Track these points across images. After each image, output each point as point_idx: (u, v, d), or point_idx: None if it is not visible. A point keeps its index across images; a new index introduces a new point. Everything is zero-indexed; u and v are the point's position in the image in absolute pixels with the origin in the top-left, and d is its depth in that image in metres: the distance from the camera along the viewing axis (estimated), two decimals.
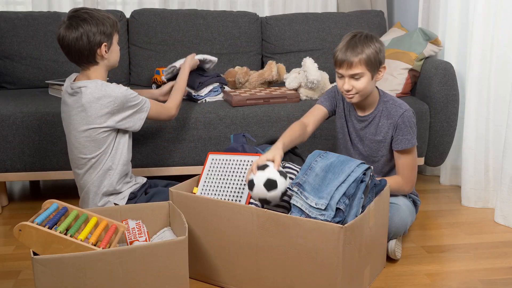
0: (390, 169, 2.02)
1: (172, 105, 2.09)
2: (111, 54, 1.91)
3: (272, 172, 1.64)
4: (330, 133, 2.42)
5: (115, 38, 1.92)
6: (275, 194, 1.62)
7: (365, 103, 1.95)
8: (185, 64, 2.25)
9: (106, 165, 1.89)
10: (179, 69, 2.28)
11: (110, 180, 1.90)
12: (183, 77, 2.21)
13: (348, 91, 1.87)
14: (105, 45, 1.86)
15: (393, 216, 1.87)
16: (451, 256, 1.97)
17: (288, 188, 1.63)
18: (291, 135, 1.90)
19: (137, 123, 1.93)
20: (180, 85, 2.18)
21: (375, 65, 1.84)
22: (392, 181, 1.91)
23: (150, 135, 2.33)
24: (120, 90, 1.85)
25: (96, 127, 1.84)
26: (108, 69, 1.94)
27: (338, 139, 2.11)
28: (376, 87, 1.96)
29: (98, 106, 1.82)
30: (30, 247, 1.44)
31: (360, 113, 1.99)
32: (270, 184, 1.62)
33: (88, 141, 1.86)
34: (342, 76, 1.87)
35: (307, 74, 2.46)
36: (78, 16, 1.83)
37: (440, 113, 2.49)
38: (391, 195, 1.92)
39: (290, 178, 1.75)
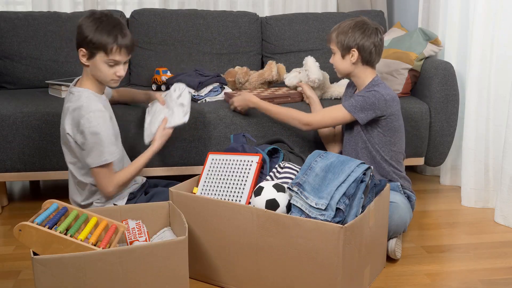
0: (363, 147, 2.05)
1: (116, 182, 1.87)
2: (94, 68, 1.81)
3: (268, 192, 1.65)
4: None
5: (101, 56, 1.78)
6: (281, 210, 1.63)
7: (355, 83, 2.11)
8: (153, 147, 2.01)
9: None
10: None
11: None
12: (145, 157, 1.97)
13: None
14: (83, 52, 1.79)
15: (392, 214, 1.87)
16: (451, 256, 1.97)
17: (288, 188, 1.63)
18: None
19: (87, 160, 1.81)
20: (139, 163, 1.95)
21: (343, 46, 2.01)
22: (291, 111, 2.11)
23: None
24: (90, 110, 1.77)
25: (68, 136, 1.84)
26: (96, 79, 1.85)
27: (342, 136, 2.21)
28: (376, 75, 2.05)
29: (72, 117, 1.81)
30: (30, 247, 1.44)
31: (355, 93, 2.12)
32: (272, 205, 1.63)
33: (70, 149, 1.87)
34: None
35: (309, 73, 2.46)
36: (100, 13, 1.81)
37: (440, 113, 2.49)
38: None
39: (290, 178, 1.75)
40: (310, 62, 2.48)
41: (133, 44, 1.86)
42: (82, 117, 1.77)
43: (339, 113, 2.01)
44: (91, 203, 1.92)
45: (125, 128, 2.23)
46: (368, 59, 2.00)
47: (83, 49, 1.79)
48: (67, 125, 1.83)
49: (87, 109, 1.78)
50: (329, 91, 2.57)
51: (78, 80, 1.92)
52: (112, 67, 1.81)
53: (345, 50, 2.01)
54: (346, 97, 2.18)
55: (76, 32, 1.81)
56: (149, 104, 2.17)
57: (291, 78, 2.57)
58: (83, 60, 1.81)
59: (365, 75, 2.04)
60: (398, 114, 2.01)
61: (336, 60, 2.06)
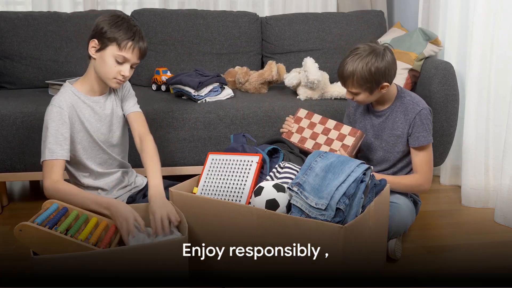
0: (405, 165, 2.04)
1: (55, 188, 1.68)
2: (100, 61, 1.76)
3: (268, 193, 1.65)
4: None
5: (112, 49, 1.74)
6: (281, 210, 1.63)
7: (381, 100, 2.00)
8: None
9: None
10: None
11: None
12: (94, 202, 1.66)
13: (352, 99, 1.97)
14: (94, 43, 1.76)
15: (394, 215, 1.87)
16: (451, 256, 1.97)
17: (288, 188, 1.63)
18: None
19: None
20: (84, 199, 1.67)
21: (371, 84, 1.86)
22: (410, 179, 1.97)
23: None
24: (49, 107, 1.76)
25: None
26: (99, 78, 1.81)
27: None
28: (395, 83, 2.01)
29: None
30: (31, 247, 1.44)
31: (378, 108, 2.04)
32: (272, 205, 1.63)
33: None
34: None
35: (308, 74, 2.46)
36: (123, 16, 1.79)
37: (440, 113, 2.49)
38: (391, 193, 1.92)
39: (290, 178, 1.75)
40: (309, 63, 2.49)
41: (146, 51, 1.82)
42: (48, 107, 1.78)
43: (430, 151, 1.97)
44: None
45: None
46: (392, 80, 1.93)
47: (95, 40, 1.76)
48: None
49: (50, 102, 1.77)
50: (329, 91, 2.57)
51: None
52: (119, 64, 1.76)
53: (375, 87, 1.88)
54: (358, 109, 2.10)
55: (93, 29, 1.78)
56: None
57: (291, 78, 2.58)
58: (92, 51, 1.77)
59: (391, 91, 1.99)
60: None
61: (363, 98, 1.92)
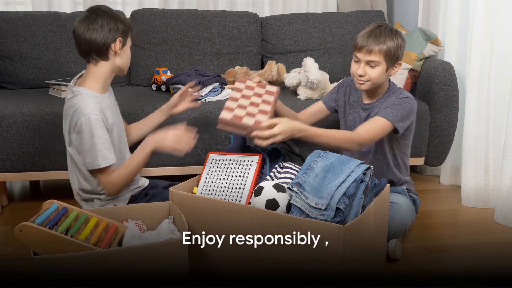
0: (381, 158, 2.00)
1: (115, 184, 1.83)
2: (123, 54, 1.86)
3: (268, 192, 1.65)
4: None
5: (129, 41, 1.88)
6: (281, 210, 1.63)
7: (375, 92, 1.98)
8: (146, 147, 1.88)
9: None
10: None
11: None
12: (141, 156, 1.86)
13: (360, 76, 1.89)
14: (120, 41, 1.82)
15: (393, 215, 1.87)
16: (451, 256, 1.97)
17: (288, 188, 1.63)
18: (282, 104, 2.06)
19: (83, 160, 1.79)
20: (137, 163, 1.86)
21: (392, 58, 1.87)
22: (346, 133, 1.88)
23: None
24: (87, 113, 1.74)
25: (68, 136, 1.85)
26: (115, 71, 1.87)
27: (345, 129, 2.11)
28: (390, 80, 1.99)
29: (68, 118, 1.82)
30: (31, 247, 1.44)
31: (366, 101, 2.01)
32: (272, 205, 1.63)
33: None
34: (358, 61, 1.90)
35: (308, 74, 2.46)
36: (98, 9, 1.82)
37: (440, 113, 2.49)
38: (391, 193, 1.92)
39: (290, 178, 1.75)
40: (310, 63, 2.49)
41: None
42: (78, 119, 1.76)
43: (383, 126, 1.85)
44: (92, 199, 1.91)
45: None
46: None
47: (120, 38, 1.82)
48: (65, 126, 1.84)
49: (83, 111, 1.75)
50: (329, 90, 2.57)
51: (78, 78, 1.91)
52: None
53: (391, 63, 1.88)
54: (349, 100, 2.07)
55: (98, 32, 1.78)
56: None
57: (291, 78, 2.58)
58: (117, 49, 1.82)
59: (386, 83, 1.98)
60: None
61: (379, 72, 1.87)
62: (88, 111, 1.76)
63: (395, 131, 1.88)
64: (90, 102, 1.78)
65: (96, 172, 1.81)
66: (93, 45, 1.79)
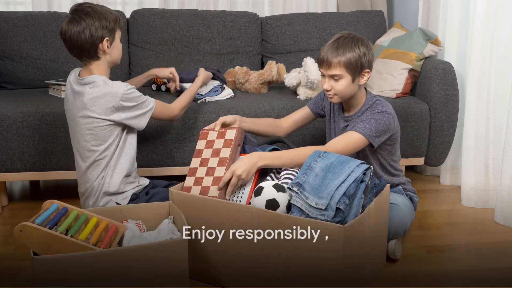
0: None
1: (177, 105, 2.10)
2: (113, 50, 1.90)
3: (268, 193, 1.65)
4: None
5: (118, 34, 1.91)
6: (281, 210, 1.63)
7: (351, 104, 1.94)
8: (200, 77, 2.33)
9: (110, 162, 1.90)
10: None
11: (113, 179, 1.90)
12: (195, 86, 2.27)
13: (327, 90, 1.88)
14: (107, 40, 1.86)
15: (393, 216, 1.87)
16: (451, 256, 1.97)
17: (288, 188, 1.63)
18: (256, 119, 2.09)
19: (141, 121, 1.93)
20: (191, 91, 2.23)
21: (356, 68, 1.82)
22: (308, 149, 1.77)
23: (150, 136, 2.33)
24: (126, 89, 1.85)
25: (100, 123, 1.85)
26: (110, 66, 1.94)
27: (327, 140, 2.10)
28: (366, 89, 1.95)
29: (104, 101, 1.83)
30: (31, 247, 1.44)
31: (346, 114, 1.99)
32: (272, 205, 1.63)
33: (91, 134, 1.86)
34: (323, 75, 1.89)
35: (308, 74, 2.46)
36: (81, 10, 1.83)
37: (440, 113, 2.49)
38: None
39: (290, 178, 1.75)
40: (310, 63, 2.48)
41: None
42: (122, 96, 1.84)
43: (357, 142, 1.82)
44: (122, 192, 1.94)
45: None
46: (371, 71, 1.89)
47: (107, 37, 1.85)
48: (97, 112, 1.84)
49: (120, 89, 1.84)
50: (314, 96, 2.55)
51: (80, 72, 1.93)
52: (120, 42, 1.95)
53: (357, 73, 1.83)
54: (338, 119, 2.01)
55: (82, 38, 1.81)
56: None
57: (291, 78, 2.57)
58: (106, 48, 1.86)
59: (362, 93, 1.93)
60: (397, 123, 1.93)
61: (344, 85, 1.83)
62: (123, 85, 1.85)
63: (371, 145, 1.86)
64: (114, 82, 1.86)
65: (157, 111, 1.97)
66: (81, 48, 1.84)
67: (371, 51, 1.86)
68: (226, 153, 1.81)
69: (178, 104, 2.11)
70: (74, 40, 1.83)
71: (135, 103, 1.89)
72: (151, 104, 1.95)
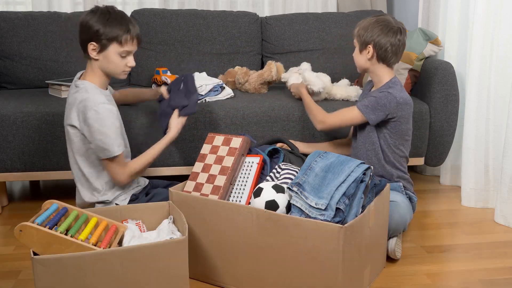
0: (370, 148, 2.03)
1: (130, 171, 1.87)
2: (105, 60, 1.80)
3: (268, 193, 1.65)
4: (329, 132, 2.42)
5: (114, 48, 1.79)
6: (280, 211, 1.63)
7: (373, 80, 2.10)
8: (171, 133, 2.01)
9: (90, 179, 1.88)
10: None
11: (104, 192, 1.89)
12: (161, 145, 1.98)
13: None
14: (93, 46, 1.78)
15: (393, 213, 1.87)
16: (451, 256, 1.97)
17: (288, 188, 1.63)
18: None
19: (99, 153, 1.81)
20: (155, 151, 1.96)
21: (361, 40, 2.02)
22: (320, 113, 2.10)
23: (150, 136, 2.33)
24: (101, 111, 1.75)
25: (77, 134, 1.83)
26: (106, 73, 1.85)
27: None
28: (395, 76, 2.05)
29: (77, 110, 1.79)
30: (31, 247, 1.44)
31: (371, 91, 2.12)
32: (272, 206, 1.63)
33: (70, 144, 1.87)
34: None
35: (311, 87, 2.41)
36: (104, 8, 1.81)
37: (440, 113, 2.49)
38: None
39: (290, 178, 1.75)
40: (307, 76, 2.41)
41: (140, 34, 1.87)
42: (90, 109, 1.75)
43: (352, 114, 2.01)
44: (110, 201, 1.90)
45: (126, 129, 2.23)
46: (383, 57, 1.99)
47: (94, 43, 1.78)
48: (74, 118, 1.80)
49: (93, 102, 1.76)
50: (333, 93, 2.55)
51: (82, 74, 1.91)
52: (124, 58, 1.82)
53: (363, 45, 2.02)
54: (363, 95, 2.19)
55: (80, 29, 1.80)
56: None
57: (292, 79, 2.53)
58: (93, 54, 1.80)
59: (382, 74, 2.03)
60: (408, 118, 2.00)
61: (355, 54, 2.08)
62: (99, 100, 1.77)
63: (368, 123, 2.00)
64: (98, 94, 1.80)
65: (109, 161, 1.81)
66: (79, 40, 1.82)
67: (386, 35, 1.98)
68: (229, 162, 1.81)
69: (131, 169, 1.88)
70: (79, 30, 1.80)
71: (97, 127, 1.75)
72: (113, 149, 1.78)
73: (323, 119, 2.08)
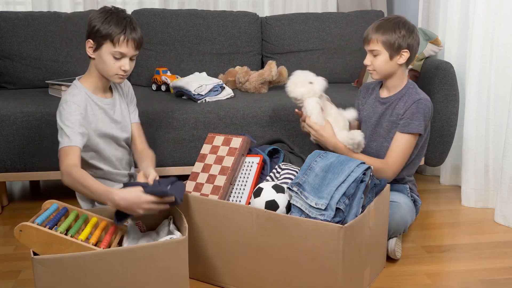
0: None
1: (71, 171, 1.64)
2: (99, 60, 1.78)
3: (268, 193, 1.65)
4: None
5: (107, 47, 1.75)
6: (280, 211, 1.63)
7: (389, 85, 2.00)
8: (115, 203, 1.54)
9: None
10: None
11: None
12: (97, 188, 1.58)
13: (367, 65, 1.98)
14: (90, 43, 1.78)
15: (394, 213, 1.87)
16: (451, 256, 1.97)
17: (288, 188, 1.63)
18: None
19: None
20: (94, 191, 1.57)
21: (392, 46, 1.90)
22: (377, 161, 1.91)
23: (150, 136, 2.33)
24: (66, 99, 1.75)
25: None
26: (102, 76, 1.82)
27: (362, 127, 2.10)
28: (409, 77, 2.00)
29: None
30: (31, 247, 1.44)
31: (382, 95, 2.04)
32: (272, 206, 1.63)
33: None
34: (366, 52, 1.99)
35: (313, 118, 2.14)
36: (112, 8, 1.80)
37: (440, 113, 2.49)
38: (391, 192, 1.92)
39: (290, 178, 1.75)
40: (310, 109, 2.01)
41: (141, 39, 1.82)
42: (59, 106, 1.77)
43: (407, 141, 1.91)
44: None
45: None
46: (412, 60, 1.95)
47: (90, 40, 1.78)
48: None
49: (64, 99, 1.77)
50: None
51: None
52: (118, 60, 1.77)
53: (395, 51, 1.90)
54: (365, 99, 2.10)
55: (87, 28, 1.80)
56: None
57: (302, 93, 2.03)
58: (90, 52, 1.79)
59: (403, 77, 1.98)
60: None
61: (382, 61, 1.92)
62: (69, 98, 1.76)
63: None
64: (78, 95, 1.79)
65: (60, 151, 1.69)
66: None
67: (413, 35, 1.92)
68: (229, 162, 1.81)
69: (74, 173, 1.63)
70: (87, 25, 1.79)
71: (59, 119, 1.73)
72: (62, 139, 1.69)
73: (390, 173, 1.91)
